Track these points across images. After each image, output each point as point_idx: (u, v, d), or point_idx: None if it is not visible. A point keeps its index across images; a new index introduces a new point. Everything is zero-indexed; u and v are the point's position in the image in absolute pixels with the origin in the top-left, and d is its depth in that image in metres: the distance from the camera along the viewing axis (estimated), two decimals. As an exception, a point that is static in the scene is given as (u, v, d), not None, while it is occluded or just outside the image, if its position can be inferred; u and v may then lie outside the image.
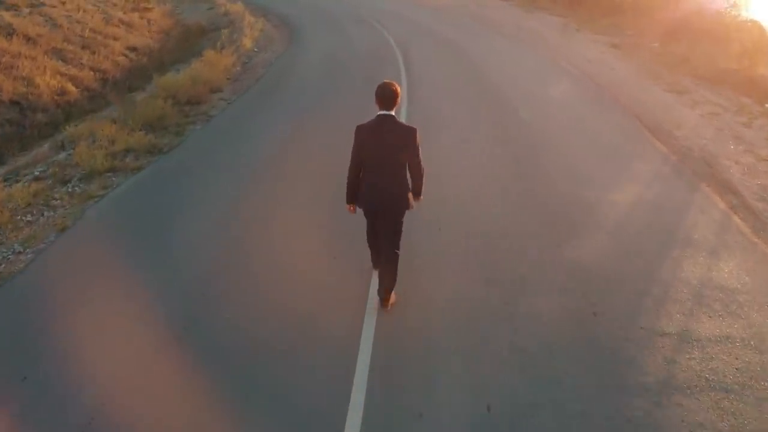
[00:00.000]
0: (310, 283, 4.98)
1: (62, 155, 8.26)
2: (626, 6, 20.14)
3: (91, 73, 13.31)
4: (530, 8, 23.40)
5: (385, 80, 4.34)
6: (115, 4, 20.11)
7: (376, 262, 4.80)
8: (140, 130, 8.82)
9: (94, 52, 14.57)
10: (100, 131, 8.51)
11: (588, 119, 9.74)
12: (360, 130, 4.36)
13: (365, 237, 4.82)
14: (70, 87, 12.24)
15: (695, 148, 8.42)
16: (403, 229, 4.50)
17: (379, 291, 4.62)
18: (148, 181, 7.39)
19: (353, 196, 4.52)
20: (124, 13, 19.67)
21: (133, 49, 16.44)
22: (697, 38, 15.88)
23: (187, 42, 19.60)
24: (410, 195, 4.41)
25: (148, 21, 20.31)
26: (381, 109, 4.28)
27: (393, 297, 4.62)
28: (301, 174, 7.35)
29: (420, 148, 4.33)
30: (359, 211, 4.63)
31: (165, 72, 15.83)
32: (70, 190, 7.11)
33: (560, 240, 5.71)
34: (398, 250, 4.53)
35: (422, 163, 4.37)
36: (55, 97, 11.52)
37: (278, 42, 17.94)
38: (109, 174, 7.51)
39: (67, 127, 9.31)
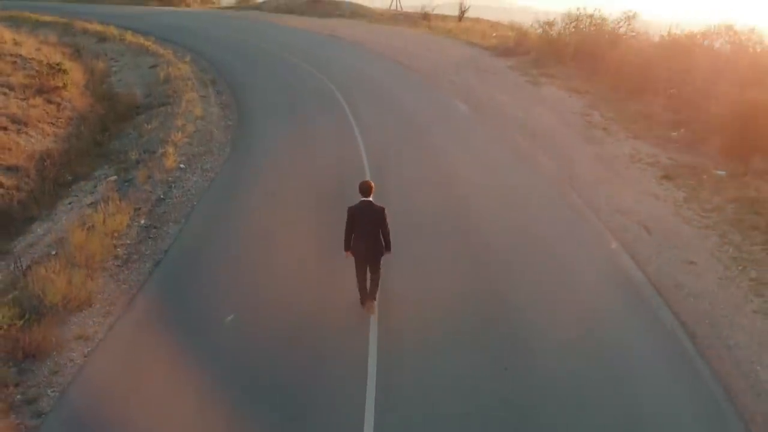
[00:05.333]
0: None
1: None
2: (658, 84, 16.14)
3: None
4: (536, 76, 19.34)
5: (364, 179, 7.27)
6: (12, 88, 15.68)
7: (364, 299, 7.13)
8: None
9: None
10: None
11: None
12: (351, 210, 6.94)
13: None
14: None
15: None
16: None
17: (369, 294, 7.12)
18: None
19: (349, 246, 7.04)
20: (23, 99, 15.27)
21: (14, 169, 12.04)
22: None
23: (105, 133, 15.24)
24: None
25: (58, 105, 15.94)
26: (362, 196, 6.89)
27: (374, 305, 7.09)
28: None
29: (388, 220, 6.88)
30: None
31: (55, 204, 11.65)
32: None
33: None
34: (378, 276, 7.09)
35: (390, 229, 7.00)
36: None
37: (217, 145, 13.66)
38: None
39: None
